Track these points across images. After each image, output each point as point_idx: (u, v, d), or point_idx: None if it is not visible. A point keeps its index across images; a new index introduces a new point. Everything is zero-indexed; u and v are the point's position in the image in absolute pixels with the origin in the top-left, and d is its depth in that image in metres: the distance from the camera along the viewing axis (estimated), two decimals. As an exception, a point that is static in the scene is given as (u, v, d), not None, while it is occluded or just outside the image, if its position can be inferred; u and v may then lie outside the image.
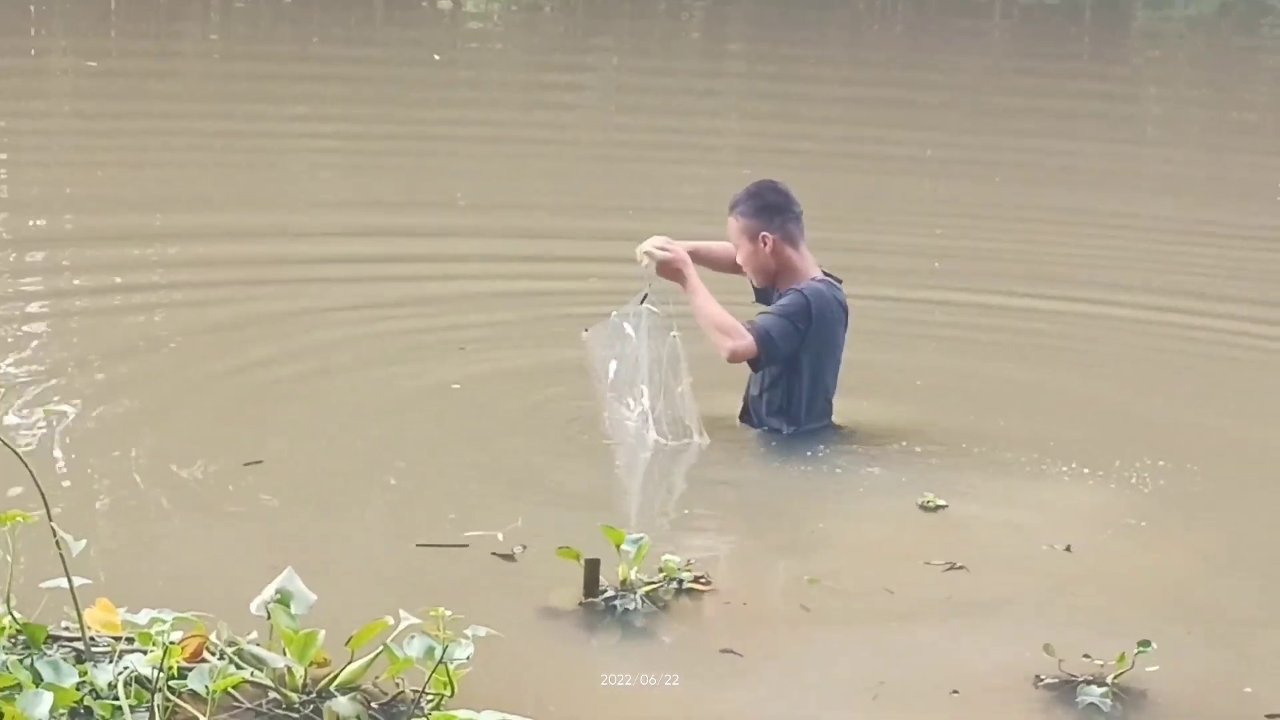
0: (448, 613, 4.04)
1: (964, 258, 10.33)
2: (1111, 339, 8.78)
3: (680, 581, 5.04)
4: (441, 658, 3.98)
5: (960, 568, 5.42)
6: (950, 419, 6.98)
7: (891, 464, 6.40)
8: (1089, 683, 4.53)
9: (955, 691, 4.60)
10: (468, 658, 4.03)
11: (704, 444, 6.37)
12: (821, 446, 6.46)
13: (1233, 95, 19.48)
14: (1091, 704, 4.48)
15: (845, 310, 6.53)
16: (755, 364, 6.43)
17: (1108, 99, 18.50)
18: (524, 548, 5.27)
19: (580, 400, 6.62)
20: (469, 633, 4.07)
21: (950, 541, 5.62)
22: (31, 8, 19.92)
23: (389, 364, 7.39)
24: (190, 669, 3.95)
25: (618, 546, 4.91)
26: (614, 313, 6.36)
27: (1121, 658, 4.53)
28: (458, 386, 7.01)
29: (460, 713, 3.43)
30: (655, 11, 23.55)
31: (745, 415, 6.62)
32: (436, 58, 18.40)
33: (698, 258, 6.54)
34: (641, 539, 4.96)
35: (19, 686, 3.79)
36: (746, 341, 6.31)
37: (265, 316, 8.14)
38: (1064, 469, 6.39)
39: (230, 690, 3.95)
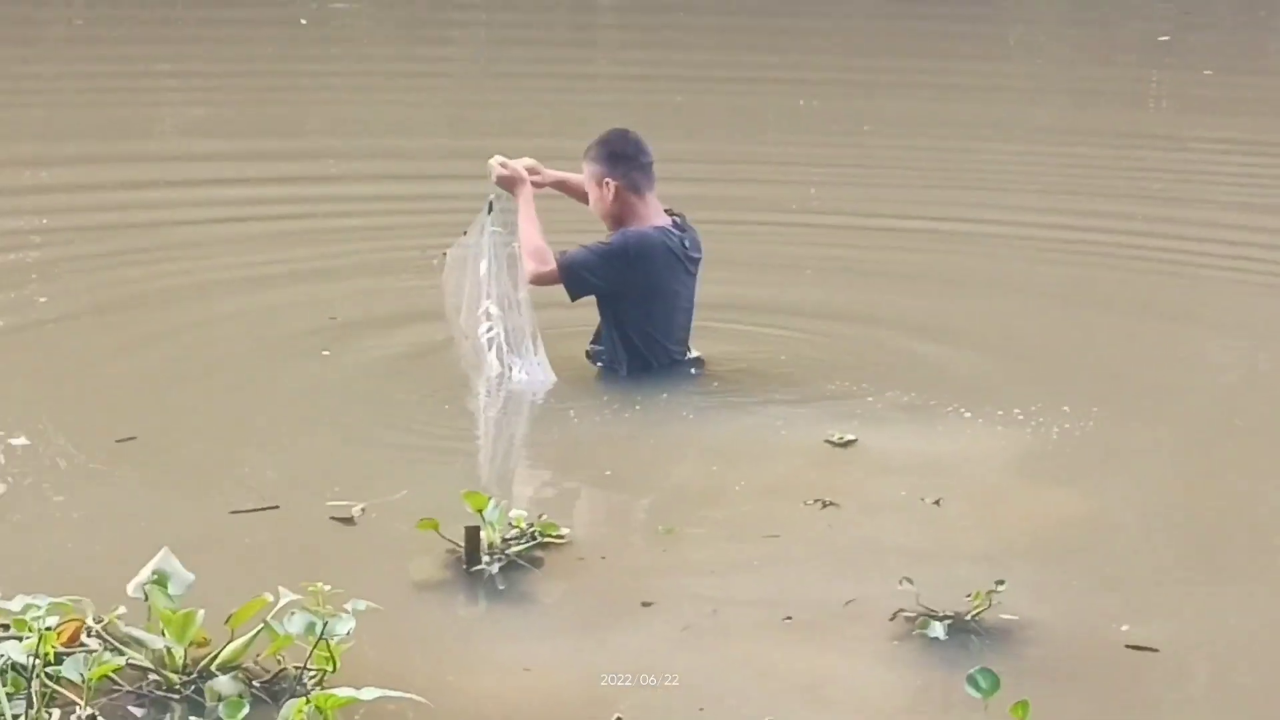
0: (326, 587, 4.01)
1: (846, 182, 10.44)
2: (1005, 256, 8.91)
3: (536, 538, 4.99)
4: (322, 633, 3.95)
5: (832, 504, 5.48)
6: (826, 352, 7.16)
7: (767, 402, 6.55)
8: (938, 617, 4.55)
9: (788, 618, 4.66)
10: (348, 632, 4.00)
11: (548, 380, 6.55)
12: (671, 389, 6.57)
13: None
14: (935, 638, 4.50)
15: (681, 257, 6.66)
16: (568, 293, 6.63)
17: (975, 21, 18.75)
18: (363, 510, 5.22)
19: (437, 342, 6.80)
20: (349, 607, 4.05)
21: (826, 480, 5.67)
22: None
23: (257, 328, 7.36)
24: (68, 654, 3.91)
25: (479, 511, 4.87)
26: (464, 231, 6.59)
27: (978, 595, 4.57)
28: (327, 353, 6.95)
29: (341, 690, 3.41)
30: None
31: (590, 353, 6.82)
32: (304, 22, 18.19)
33: (566, 187, 6.85)
34: (501, 503, 4.95)
35: (-110, 679, 3.73)
36: (550, 267, 6.53)
37: (129, 284, 8.07)
38: (959, 406, 6.46)
39: (110, 674, 3.90)
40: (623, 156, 6.63)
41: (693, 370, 6.77)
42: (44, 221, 9.41)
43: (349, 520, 5.20)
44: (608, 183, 6.61)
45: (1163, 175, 11.28)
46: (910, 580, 4.62)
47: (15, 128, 12.34)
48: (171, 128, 12.78)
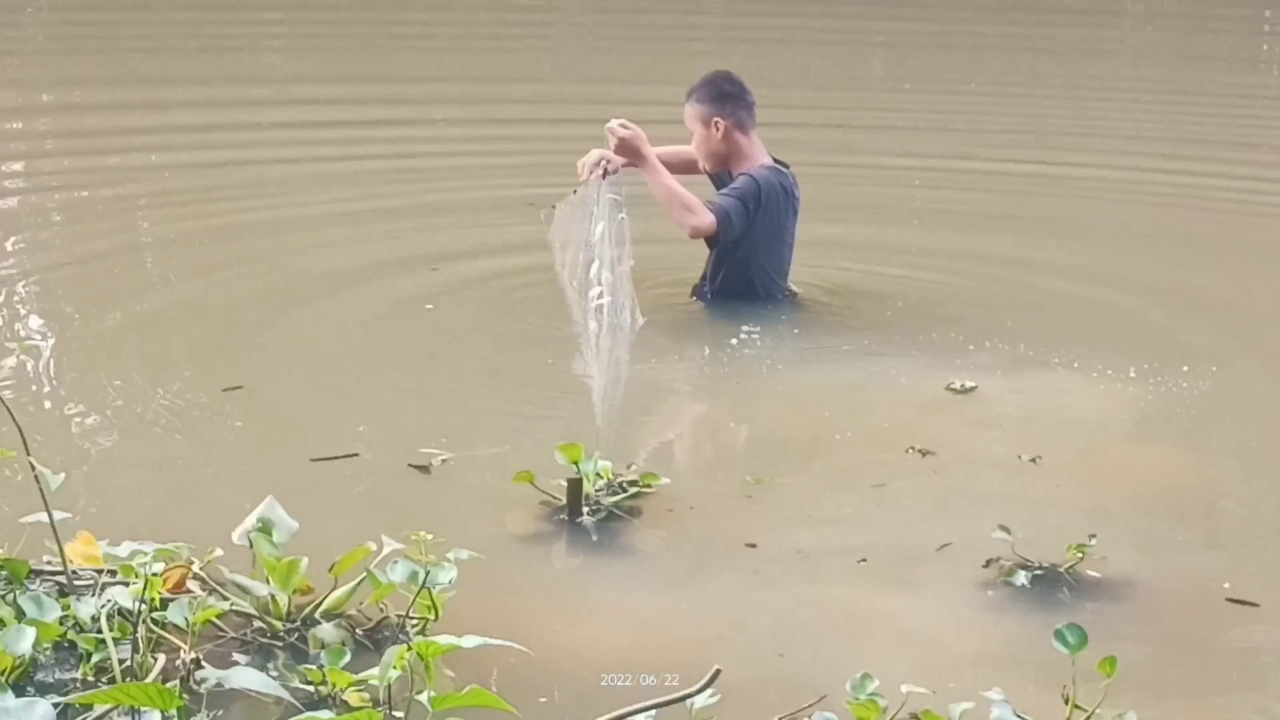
0: (429, 536, 4.02)
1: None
2: (1123, 204, 8.86)
3: (631, 489, 4.98)
4: (424, 582, 3.96)
5: (931, 454, 5.48)
6: (935, 296, 7.25)
7: (877, 345, 6.62)
8: (1029, 567, 4.55)
9: (863, 560, 4.68)
10: (451, 581, 4.02)
11: (638, 323, 6.65)
12: (773, 331, 6.70)
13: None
14: (1024, 588, 4.50)
15: (792, 196, 6.87)
16: (712, 241, 6.79)
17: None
18: (443, 461, 5.23)
19: (541, 290, 6.90)
20: (451, 556, 4.06)
21: (931, 430, 5.68)
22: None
23: (362, 276, 7.40)
24: (174, 599, 3.95)
25: (574, 463, 4.87)
26: (574, 190, 6.66)
27: (1071, 548, 4.56)
28: (430, 307, 6.98)
29: (442, 637, 3.41)
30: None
31: (696, 290, 7.00)
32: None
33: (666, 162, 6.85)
34: (595, 454, 4.95)
35: (1, 622, 3.78)
36: (709, 219, 6.65)
37: (228, 231, 8.16)
38: (1073, 359, 6.46)
39: (214, 620, 3.94)
40: (729, 96, 6.80)
41: (794, 306, 6.94)
42: (153, 159, 9.54)
43: (425, 469, 5.21)
44: (717, 122, 6.77)
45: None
46: (1007, 529, 4.59)
47: (127, 71, 12.50)
48: (279, 74, 12.87)
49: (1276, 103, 12.67)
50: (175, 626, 3.89)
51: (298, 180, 9.34)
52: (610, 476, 4.98)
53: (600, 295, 6.59)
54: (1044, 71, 13.80)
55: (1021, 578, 4.52)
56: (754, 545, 4.79)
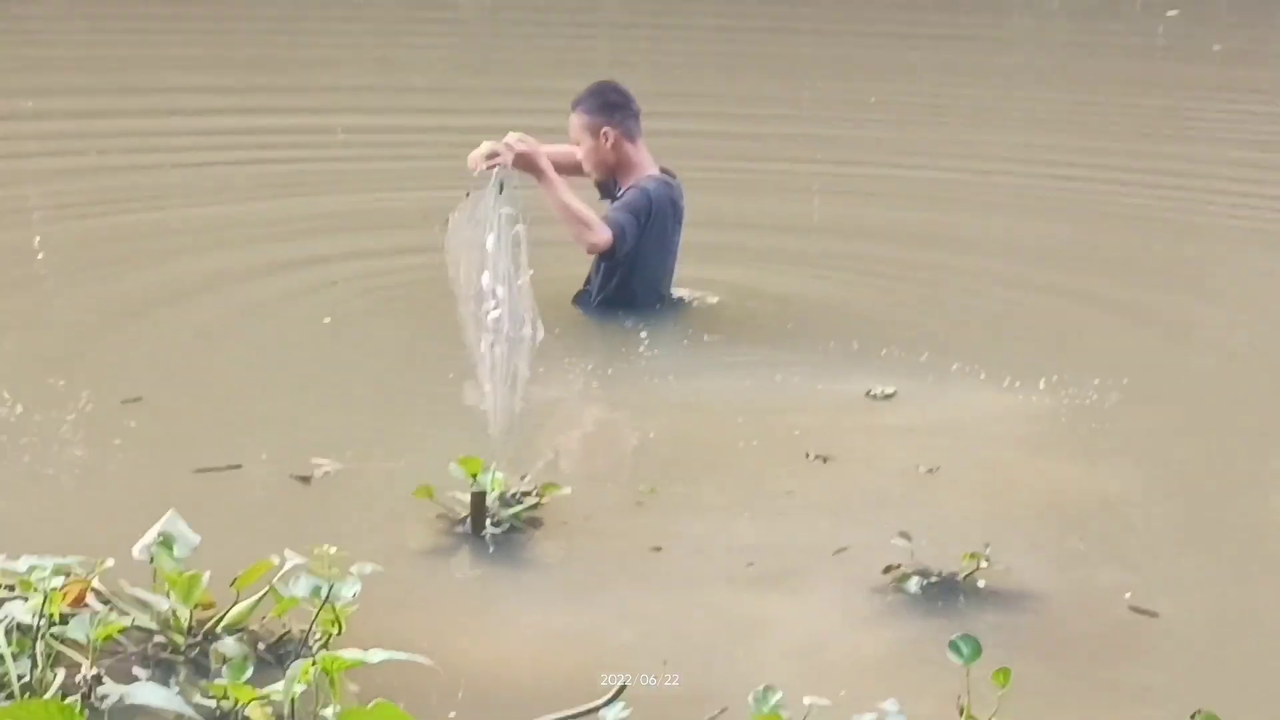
0: (332, 550, 4.02)
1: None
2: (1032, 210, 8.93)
3: (530, 500, 4.97)
4: (328, 596, 3.96)
5: (826, 459, 5.53)
6: (836, 300, 7.41)
7: (759, 355, 6.70)
8: (925, 575, 4.60)
9: (751, 564, 4.75)
10: (354, 595, 4.01)
11: (539, 337, 6.63)
12: (667, 339, 6.80)
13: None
14: (917, 596, 4.56)
15: (677, 207, 6.96)
16: (609, 255, 6.83)
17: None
18: (325, 472, 5.22)
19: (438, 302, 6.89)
20: (354, 570, 4.05)
21: (819, 437, 5.73)
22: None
23: (258, 279, 7.39)
24: (74, 615, 3.92)
25: (473, 476, 4.86)
26: (467, 193, 6.65)
27: (968, 556, 4.61)
28: (328, 320, 6.95)
29: (347, 652, 3.42)
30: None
31: (578, 298, 7.06)
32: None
33: (556, 164, 6.87)
34: (493, 468, 4.92)
35: (-105, 641, 3.74)
36: (606, 236, 6.72)
37: (127, 234, 8.06)
38: (975, 368, 6.54)
39: (115, 636, 3.91)
40: (616, 105, 6.88)
41: (688, 313, 7.05)
42: (45, 164, 9.44)
43: (306, 480, 5.20)
44: (605, 132, 6.84)
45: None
46: (906, 535, 4.64)
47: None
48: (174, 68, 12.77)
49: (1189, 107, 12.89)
50: (75, 642, 3.86)
51: (196, 185, 9.25)
52: (504, 488, 4.96)
53: (495, 308, 6.58)
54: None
55: (915, 585, 4.57)
56: (659, 549, 4.84)
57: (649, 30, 16.47)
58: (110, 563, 4.07)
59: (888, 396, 6.16)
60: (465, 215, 6.65)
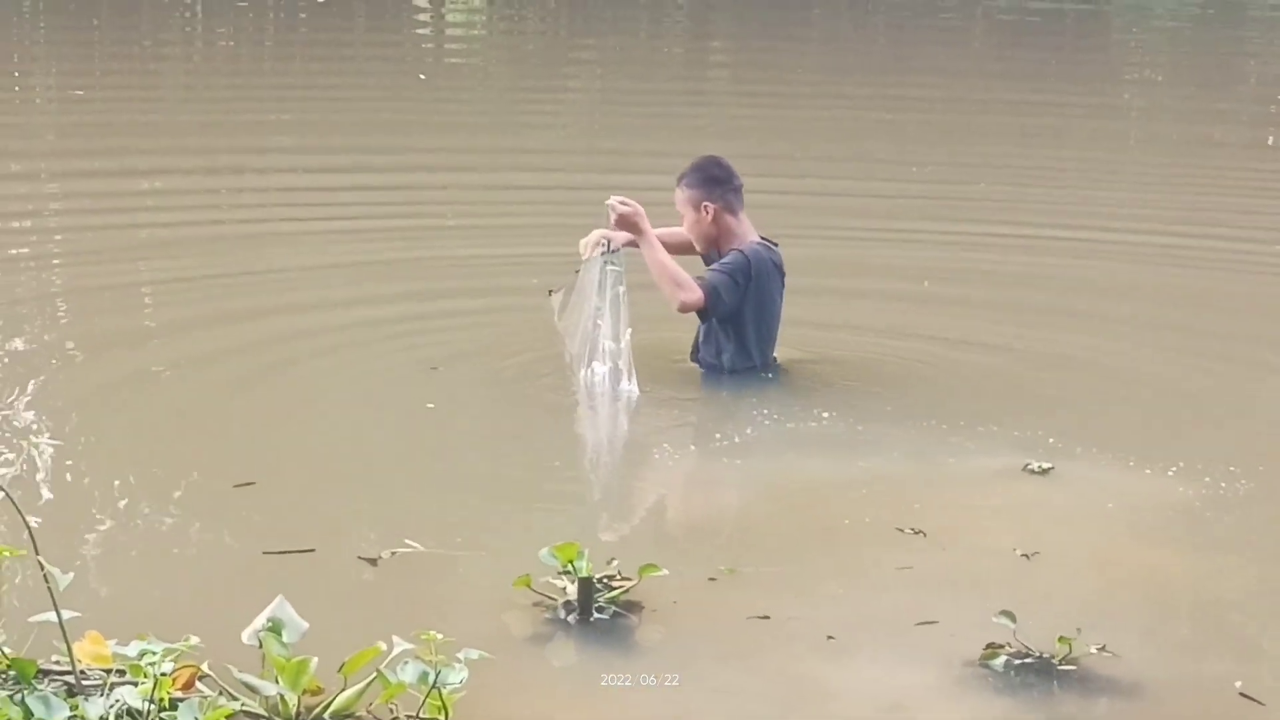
0: (439, 636, 4.01)
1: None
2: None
3: (627, 585, 4.95)
4: (435, 682, 3.94)
5: (920, 533, 5.55)
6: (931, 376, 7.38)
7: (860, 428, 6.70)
8: (1024, 656, 4.57)
9: (831, 637, 4.77)
10: (461, 681, 4.00)
11: (635, 394, 6.89)
12: (765, 406, 6.87)
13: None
14: (1003, 673, 4.55)
15: (781, 271, 7.15)
16: (702, 315, 7.07)
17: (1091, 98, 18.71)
18: (392, 554, 5.22)
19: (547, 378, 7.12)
20: (461, 655, 4.05)
21: (910, 510, 5.74)
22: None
23: (362, 367, 7.39)
24: (183, 699, 3.94)
25: (569, 562, 4.84)
26: (577, 270, 6.96)
27: (1061, 640, 4.58)
28: (431, 406, 6.95)
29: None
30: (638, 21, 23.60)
31: (694, 354, 7.28)
32: (422, 77, 18.46)
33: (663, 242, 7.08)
34: (586, 555, 4.87)
35: (10, 723, 3.77)
36: (697, 295, 6.93)
37: (233, 317, 8.09)
38: (1075, 448, 6.47)
39: (224, 720, 3.92)
40: (718, 180, 7.09)
41: (787, 382, 7.16)
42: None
43: (374, 562, 5.20)
44: (706, 206, 7.07)
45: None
46: (1010, 615, 4.61)
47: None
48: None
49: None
50: (182, 726, 3.88)
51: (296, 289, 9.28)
52: (590, 572, 4.91)
53: (607, 364, 6.86)
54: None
55: (1004, 664, 4.56)
56: (766, 617, 4.89)
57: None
58: (201, 643, 4.08)
59: (1044, 471, 6.15)
60: (574, 289, 6.93)
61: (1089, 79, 19.09)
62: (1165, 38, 23.23)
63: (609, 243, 6.89)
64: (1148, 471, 6.30)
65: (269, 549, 5.30)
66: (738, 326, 7.07)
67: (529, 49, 21.16)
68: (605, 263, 6.87)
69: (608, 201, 6.92)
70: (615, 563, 5.05)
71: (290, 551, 5.25)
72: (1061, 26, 24.02)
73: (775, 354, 7.24)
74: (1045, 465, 6.19)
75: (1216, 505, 6.02)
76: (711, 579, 5.19)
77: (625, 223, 6.89)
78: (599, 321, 6.87)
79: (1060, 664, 4.57)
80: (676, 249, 7.14)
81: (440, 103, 16.14)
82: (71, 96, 15.89)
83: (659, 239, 7.04)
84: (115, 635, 4.13)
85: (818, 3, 26.15)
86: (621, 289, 6.87)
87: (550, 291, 7.05)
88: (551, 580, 4.92)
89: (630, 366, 6.87)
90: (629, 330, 6.87)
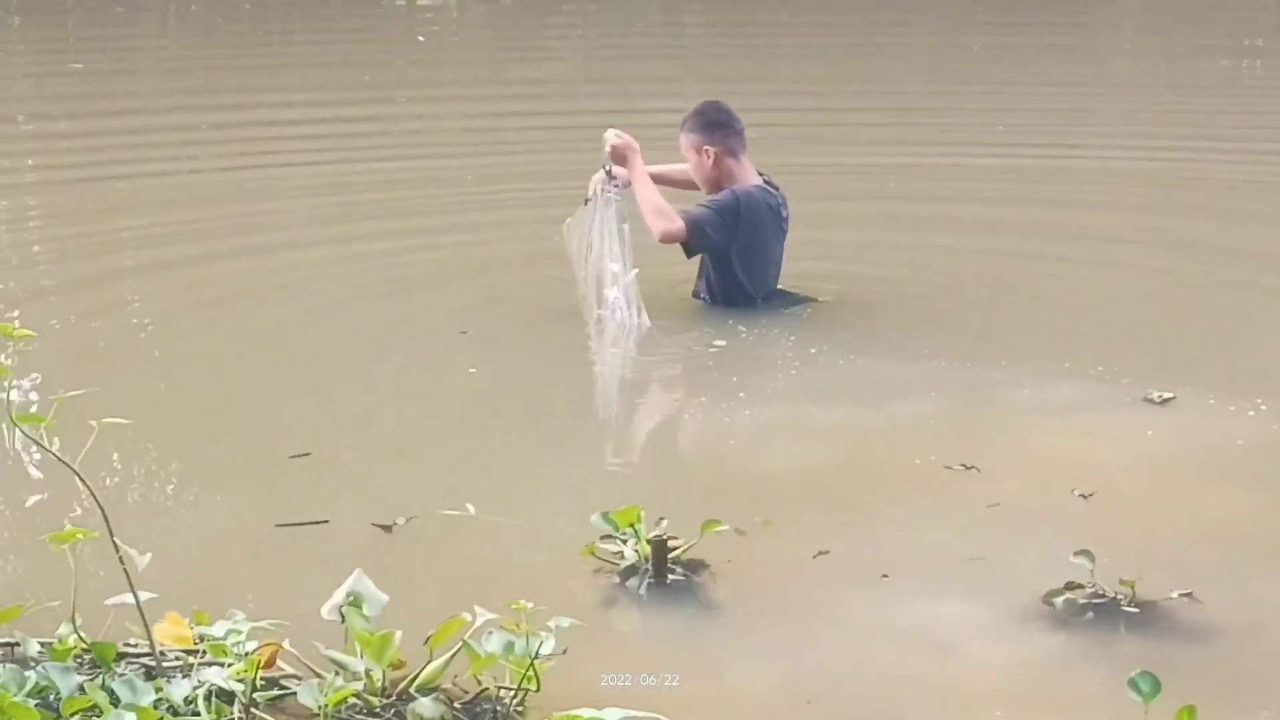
0: (529, 605, 3.92)
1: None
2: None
3: (688, 544, 4.86)
4: (534, 653, 3.86)
5: (973, 468, 5.55)
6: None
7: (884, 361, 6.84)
8: (1095, 597, 4.55)
9: (885, 575, 4.76)
10: (552, 651, 3.91)
11: (645, 325, 7.12)
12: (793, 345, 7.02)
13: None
14: (1070, 613, 4.52)
15: (779, 215, 7.32)
16: (686, 249, 7.24)
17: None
18: (405, 520, 5.13)
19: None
20: (551, 624, 3.96)
21: (961, 446, 5.72)
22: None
23: (399, 336, 7.32)
24: (269, 678, 3.86)
25: (631, 526, 4.78)
26: (585, 201, 7.19)
27: (1123, 582, 4.55)
28: (473, 370, 6.87)
29: (584, 712, 3.29)
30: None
31: (696, 292, 7.51)
32: (421, 39, 18.37)
33: (658, 179, 7.35)
34: (644, 512, 4.82)
35: (96, 708, 3.68)
36: (678, 225, 7.10)
37: (279, 294, 8.04)
38: (1141, 380, 6.43)
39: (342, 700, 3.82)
40: (717, 124, 7.27)
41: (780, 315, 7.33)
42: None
43: (388, 529, 5.11)
44: (707, 149, 7.25)
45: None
46: (1089, 554, 4.56)
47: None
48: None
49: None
50: (269, 705, 3.80)
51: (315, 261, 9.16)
52: (638, 534, 4.83)
53: (614, 299, 7.10)
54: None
55: (1071, 604, 4.52)
56: (826, 552, 4.90)
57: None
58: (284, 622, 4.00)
59: (1165, 401, 6.17)
60: (580, 221, 7.17)
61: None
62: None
63: (609, 171, 7.09)
64: (1226, 408, 6.21)
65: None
66: (725, 264, 7.25)
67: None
68: (608, 199, 7.09)
69: (605, 133, 7.19)
70: (664, 522, 4.96)
71: (302, 524, 5.13)
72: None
73: (779, 286, 7.43)
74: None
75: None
76: (765, 525, 5.11)
77: (617, 154, 7.12)
78: (610, 249, 7.08)
79: (1128, 606, 4.52)
80: (685, 185, 7.44)
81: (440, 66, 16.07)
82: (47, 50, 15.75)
83: (669, 174, 7.40)
84: (185, 612, 4.04)
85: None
86: (625, 226, 7.10)
87: (564, 222, 7.24)
88: (606, 546, 4.83)
89: (639, 301, 7.09)
90: (634, 270, 7.08)
